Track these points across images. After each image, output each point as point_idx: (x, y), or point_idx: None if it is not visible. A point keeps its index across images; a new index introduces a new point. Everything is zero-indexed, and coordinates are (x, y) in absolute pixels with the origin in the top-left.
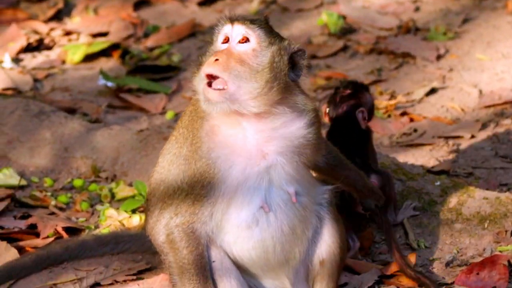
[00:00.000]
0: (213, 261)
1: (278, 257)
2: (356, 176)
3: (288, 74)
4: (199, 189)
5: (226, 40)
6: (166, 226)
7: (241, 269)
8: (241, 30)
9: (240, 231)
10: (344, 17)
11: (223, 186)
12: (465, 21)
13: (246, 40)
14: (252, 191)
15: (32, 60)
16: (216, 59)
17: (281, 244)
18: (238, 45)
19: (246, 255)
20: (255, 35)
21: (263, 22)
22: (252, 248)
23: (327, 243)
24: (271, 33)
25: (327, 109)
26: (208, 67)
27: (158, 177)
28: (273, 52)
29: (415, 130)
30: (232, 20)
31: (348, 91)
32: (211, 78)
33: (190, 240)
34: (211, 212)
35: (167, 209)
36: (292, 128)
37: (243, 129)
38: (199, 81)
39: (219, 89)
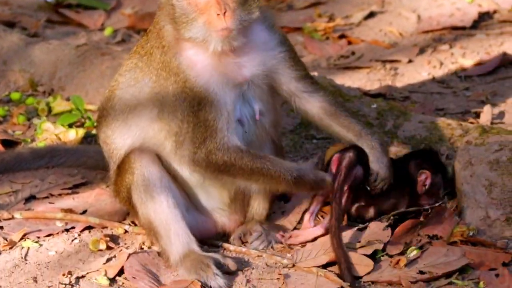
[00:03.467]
0: None
1: None
2: (350, 117)
3: None
4: (203, 117)
5: None
6: (195, 162)
7: None
8: None
9: None
10: None
11: (222, 107)
12: None
13: None
14: (234, 107)
15: None
16: (224, 12)
17: None
18: None
19: None
20: None
21: None
22: None
23: None
24: None
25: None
26: (222, 22)
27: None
28: None
29: (353, 53)
30: None
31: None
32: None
33: (230, 151)
34: (225, 133)
35: (181, 147)
36: (265, 48)
37: (220, 55)
38: (202, 31)
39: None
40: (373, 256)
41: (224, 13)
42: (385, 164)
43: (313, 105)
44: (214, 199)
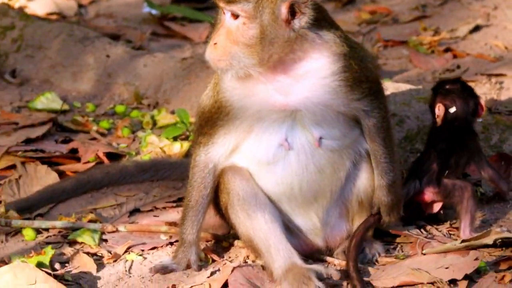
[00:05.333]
0: (243, 193)
1: (304, 195)
2: (383, 160)
3: (292, 26)
4: (215, 118)
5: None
6: (194, 155)
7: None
8: (228, 8)
9: (261, 166)
10: None
11: (239, 120)
12: None
13: (236, 16)
14: (272, 129)
15: None
16: (215, 43)
17: (307, 183)
18: (230, 21)
19: (271, 189)
20: (240, 11)
21: None
22: (276, 184)
23: (364, 186)
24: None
25: (445, 108)
26: (209, 54)
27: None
28: (262, 22)
29: (458, 67)
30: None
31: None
32: None
33: (202, 168)
34: (225, 140)
35: (198, 138)
36: (314, 75)
37: (260, 82)
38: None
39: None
40: (477, 272)
41: (215, 43)
42: (389, 199)
43: (366, 123)
44: (306, 223)
